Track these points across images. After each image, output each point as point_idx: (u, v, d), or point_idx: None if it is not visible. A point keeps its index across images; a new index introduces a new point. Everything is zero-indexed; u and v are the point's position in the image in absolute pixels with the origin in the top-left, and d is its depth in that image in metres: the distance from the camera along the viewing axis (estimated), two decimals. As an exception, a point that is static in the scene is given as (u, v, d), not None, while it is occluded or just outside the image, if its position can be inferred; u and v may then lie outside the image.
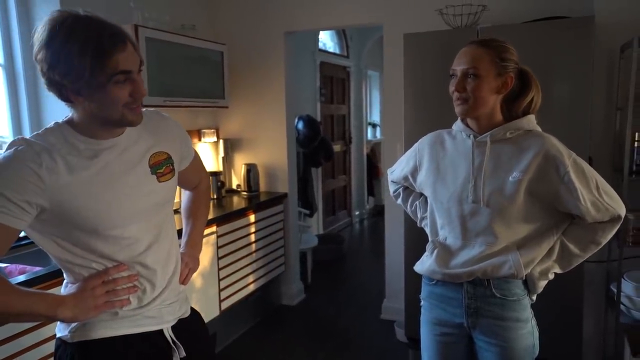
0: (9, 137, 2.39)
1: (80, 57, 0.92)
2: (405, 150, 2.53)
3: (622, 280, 2.22)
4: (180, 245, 1.33)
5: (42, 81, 2.70)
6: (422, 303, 1.50)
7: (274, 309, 3.49)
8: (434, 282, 1.44)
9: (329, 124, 5.56)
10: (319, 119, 5.16)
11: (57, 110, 2.41)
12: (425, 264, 1.44)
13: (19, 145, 0.97)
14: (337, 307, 3.59)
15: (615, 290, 2.25)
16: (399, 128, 2.72)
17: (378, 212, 6.37)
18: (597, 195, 1.26)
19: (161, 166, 1.15)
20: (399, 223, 2.84)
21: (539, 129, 1.34)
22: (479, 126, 1.35)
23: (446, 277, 1.38)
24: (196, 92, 2.93)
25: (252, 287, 3.10)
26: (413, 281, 2.60)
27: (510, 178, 1.28)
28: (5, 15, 2.34)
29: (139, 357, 1.12)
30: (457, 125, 1.42)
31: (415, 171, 1.51)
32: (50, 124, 1.05)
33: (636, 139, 2.27)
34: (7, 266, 1.90)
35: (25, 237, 2.22)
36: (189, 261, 1.30)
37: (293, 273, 3.62)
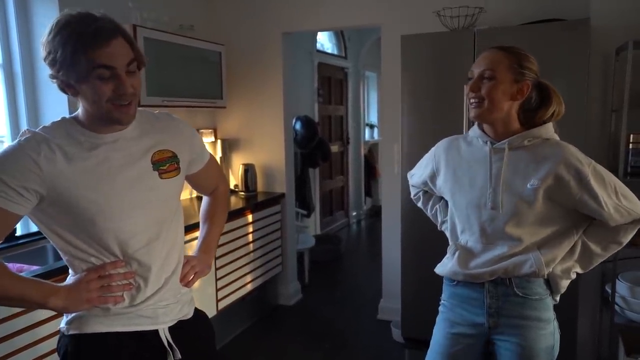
0: (7, 136, 2.39)
1: (64, 47, 0.97)
2: (403, 151, 2.57)
3: (617, 281, 2.24)
4: (195, 249, 1.35)
5: (40, 80, 2.70)
6: (441, 303, 1.49)
7: (271, 309, 3.49)
8: (455, 283, 1.43)
9: (326, 125, 5.57)
10: (316, 119, 5.17)
11: (55, 110, 2.41)
12: (446, 266, 1.44)
13: (24, 135, 1.04)
14: (334, 307, 3.60)
15: (610, 290, 2.26)
16: (397, 129, 2.73)
17: (375, 213, 6.37)
18: (616, 201, 1.27)
19: (164, 163, 1.15)
20: (396, 224, 2.85)
21: (557, 137, 1.35)
22: (495, 133, 1.35)
23: (468, 278, 1.38)
24: (194, 92, 2.94)
25: (249, 287, 3.10)
26: (410, 282, 2.63)
27: (529, 185, 1.29)
28: (3, 14, 2.34)
29: (131, 356, 1.11)
30: (474, 131, 1.42)
31: (433, 176, 1.50)
32: (58, 118, 1.10)
33: (631, 140, 2.29)
34: (4, 265, 1.90)
35: (22, 236, 2.24)
36: (197, 264, 1.28)
37: (290, 273, 3.62)
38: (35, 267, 1.85)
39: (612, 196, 1.26)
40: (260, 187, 3.53)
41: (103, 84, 0.99)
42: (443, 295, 1.49)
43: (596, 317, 2.55)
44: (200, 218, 1.42)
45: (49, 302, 1.04)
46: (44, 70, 2.63)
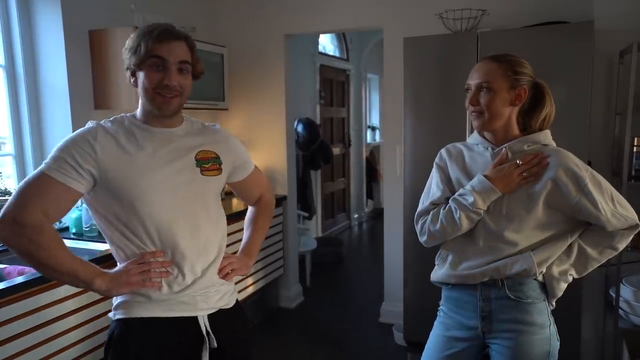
0: (8, 137, 2.39)
1: (135, 39, 1.18)
2: (405, 153, 2.56)
3: (621, 285, 2.23)
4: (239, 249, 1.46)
5: (42, 82, 2.70)
6: (439, 308, 1.50)
7: (272, 312, 3.48)
8: (449, 287, 1.44)
9: (328, 127, 5.56)
10: (318, 121, 5.16)
11: (57, 111, 2.42)
12: (439, 272, 1.44)
13: (89, 125, 1.21)
14: (336, 310, 3.59)
15: (614, 294, 2.25)
16: (399, 131, 2.72)
17: (377, 215, 6.36)
18: (613, 207, 1.29)
19: (207, 162, 1.26)
20: (398, 226, 2.84)
21: (554, 144, 1.37)
22: (496, 139, 1.38)
23: (461, 279, 1.38)
24: (196, 93, 2.89)
25: (250, 290, 3.09)
26: (412, 285, 2.61)
27: (529, 191, 1.31)
28: (6, 16, 2.35)
29: (170, 339, 1.20)
30: (475, 138, 1.43)
31: (450, 181, 1.44)
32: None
33: (635, 143, 2.28)
34: (5, 267, 1.90)
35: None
36: (236, 262, 1.36)
37: (292, 276, 3.62)
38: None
39: (609, 202, 1.29)
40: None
41: (153, 72, 1.16)
42: (441, 300, 1.50)
43: (600, 321, 2.53)
44: (244, 224, 1.52)
45: (94, 282, 1.15)
46: (46, 72, 2.65)
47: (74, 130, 2.41)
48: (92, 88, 2.50)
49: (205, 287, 1.24)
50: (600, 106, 2.45)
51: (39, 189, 1.10)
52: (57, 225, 2.40)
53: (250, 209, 1.53)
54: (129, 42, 1.18)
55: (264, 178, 1.55)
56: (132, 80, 1.21)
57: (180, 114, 1.28)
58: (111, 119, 1.23)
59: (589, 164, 2.17)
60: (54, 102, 2.41)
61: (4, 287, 1.62)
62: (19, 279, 1.70)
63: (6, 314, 1.62)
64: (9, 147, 2.40)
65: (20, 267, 1.89)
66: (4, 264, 1.96)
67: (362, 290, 3.96)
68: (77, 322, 1.85)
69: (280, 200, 3.42)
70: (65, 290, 1.80)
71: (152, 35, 1.15)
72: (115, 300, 1.22)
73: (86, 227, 2.29)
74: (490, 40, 2.33)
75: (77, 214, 2.32)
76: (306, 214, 4.52)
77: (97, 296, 1.89)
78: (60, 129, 2.41)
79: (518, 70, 1.32)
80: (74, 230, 2.34)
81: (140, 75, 1.17)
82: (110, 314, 1.24)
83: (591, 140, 2.26)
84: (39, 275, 1.73)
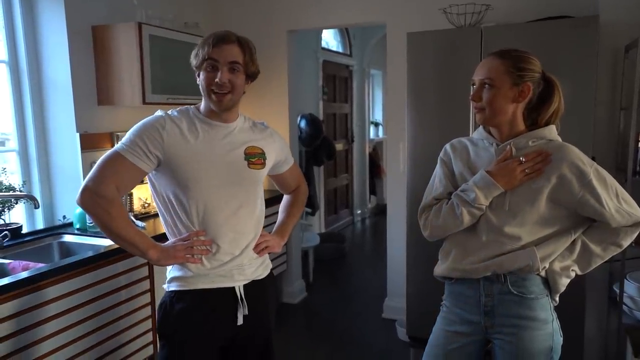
0: (12, 133, 2.40)
1: (198, 46, 1.36)
2: (408, 149, 2.55)
3: (625, 281, 2.22)
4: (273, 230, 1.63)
5: (45, 78, 2.71)
6: (442, 303, 1.50)
7: (275, 307, 3.49)
8: (452, 282, 1.44)
9: (331, 123, 5.56)
10: (321, 117, 5.15)
11: (60, 107, 2.42)
12: (442, 266, 1.45)
13: (159, 113, 1.38)
14: (339, 305, 3.60)
15: (617, 290, 2.24)
16: (402, 127, 2.71)
17: (380, 211, 6.36)
18: (617, 203, 1.29)
19: (254, 157, 1.43)
20: (400, 222, 2.84)
21: (559, 138, 1.36)
22: (501, 134, 1.37)
23: (464, 274, 1.38)
24: (199, 89, 2.92)
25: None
26: (414, 280, 2.61)
27: (533, 185, 1.30)
28: (9, 12, 2.35)
29: (210, 307, 1.39)
30: (480, 133, 1.43)
31: (454, 177, 1.45)
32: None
33: (640, 139, 2.27)
34: (10, 262, 1.91)
35: (28, 234, 2.24)
36: (270, 240, 1.52)
37: (295, 271, 3.62)
38: (40, 265, 1.85)
39: (613, 198, 1.29)
40: (264, 185, 3.50)
41: (208, 73, 1.33)
42: (444, 295, 1.50)
43: (603, 317, 2.53)
44: (280, 209, 1.72)
45: (148, 252, 1.35)
46: (50, 68, 2.66)
47: (77, 126, 2.43)
48: (95, 84, 2.51)
49: (240, 263, 1.41)
50: (605, 101, 2.44)
51: (114, 167, 1.30)
52: (62, 221, 2.43)
53: (286, 197, 1.72)
54: (195, 48, 1.36)
55: (301, 172, 1.75)
56: (197, 81, 1.37)
57: (237, 110, 1.45)
58: (178, 109, 1.40)
59: (593, 159, 2.17)
60: (57, 97, 2.41)
61: (9, 282, 1.63)
62: (24, 274, 1.71)
63: (10, 309, 1.63)
64: (13, 143, 2.41)
65: (24, 262, 1.90)
66: (9, 259, 1.97)
67: (365, 286, 3.97)
68: (78, 319, 1.86)
69: (283, 196, 3.41)
70: (66, 286, 1.82)
71: (209, 42, 1.32)
72: (168, 275, 1.42)
73: (90, 223, 2.29)
74: (494, 35, 2.32)
75: (81, 210, 2.33)
76: (309, 210, 4.52)
77: (94, 295, 1.91)
78: (63, 125, 2.42)
79: (522, 67, 1.31)
80: (78, 226, 2.35)
81: (200, 75, 1.35)
82: (164, 286, 1.43)
83: (596, 136, 2.25)
84: (42, 270, 1.75)
